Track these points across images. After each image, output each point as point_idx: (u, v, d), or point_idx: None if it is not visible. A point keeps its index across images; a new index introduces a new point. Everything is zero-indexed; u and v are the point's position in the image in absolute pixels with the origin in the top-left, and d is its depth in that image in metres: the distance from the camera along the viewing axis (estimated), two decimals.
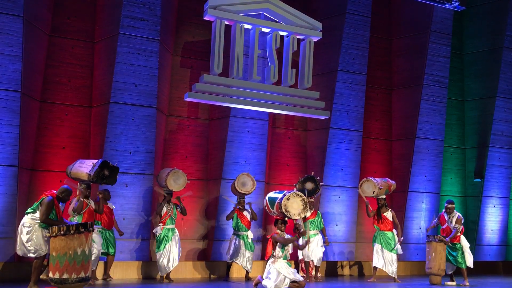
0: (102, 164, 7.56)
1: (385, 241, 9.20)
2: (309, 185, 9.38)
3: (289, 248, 7.32)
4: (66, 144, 9.18)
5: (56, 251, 6.18)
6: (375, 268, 9.31)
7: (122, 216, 8.91)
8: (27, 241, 6.68)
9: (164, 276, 8.62)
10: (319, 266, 9.38)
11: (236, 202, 9.13)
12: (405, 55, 11.90)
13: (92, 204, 7.92)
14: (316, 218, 9.31)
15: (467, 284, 8.86)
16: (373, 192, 9.35)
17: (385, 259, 9.17)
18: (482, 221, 12.17)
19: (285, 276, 7.00)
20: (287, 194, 7.68)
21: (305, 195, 9.26)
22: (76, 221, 7.60)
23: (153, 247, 8.90)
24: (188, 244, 9.74)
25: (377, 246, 9.23)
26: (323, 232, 9.42)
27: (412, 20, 11.86)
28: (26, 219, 6.74)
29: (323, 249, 9.34)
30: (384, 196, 9.41)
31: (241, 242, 8.95)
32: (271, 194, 8.21)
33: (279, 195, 7.88)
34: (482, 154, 12.37)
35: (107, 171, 7.63)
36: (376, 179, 9.49)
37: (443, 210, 9.07)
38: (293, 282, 7.05)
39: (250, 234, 9.12)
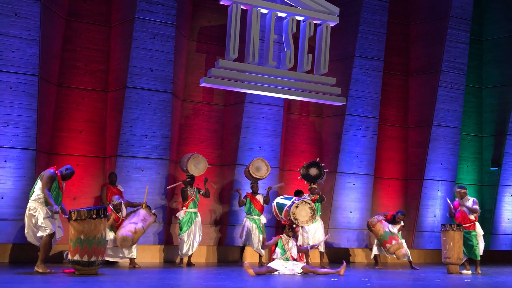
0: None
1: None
2: (313, 171, 9.30)
3: (292, 250, 7.65)
4: (82, 128, 9.25)
5: (85, 234, 6.33)
6: (376, 256, 9.27)
7: (137, 200, 8.98)
8: (35, 223, 6.64)
9: (185, 261, 8.72)
10: (323, 252, 9.32)
11: (245, 193, 9.15)
12: (423, 41, 11.71)
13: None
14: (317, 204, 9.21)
15: (479, 272, 8.81)
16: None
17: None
18: (498, 210, 12.05)
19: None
20: (296, 201, 7.83)
21: (309, 181, 9.25)
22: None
23: (176, 231, 9.00)
24: (203, 228, 9.79)
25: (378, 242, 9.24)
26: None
27: (431, 5, 11.64)
28: (30, 203, 6.72)
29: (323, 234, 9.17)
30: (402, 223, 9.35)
31: (254, 225, 8.99)
32: (279, 200, 8.29)
33: (288, 202, 7.99)
34: (499, 142, 12.21)
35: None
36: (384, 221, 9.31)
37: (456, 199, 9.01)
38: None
39: (263, 219, 9.15)
